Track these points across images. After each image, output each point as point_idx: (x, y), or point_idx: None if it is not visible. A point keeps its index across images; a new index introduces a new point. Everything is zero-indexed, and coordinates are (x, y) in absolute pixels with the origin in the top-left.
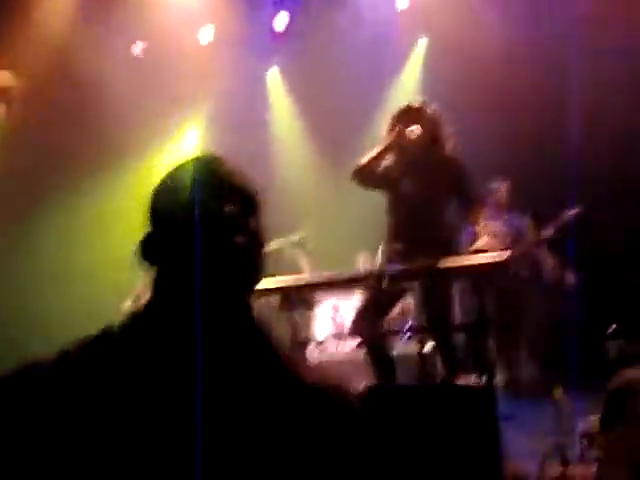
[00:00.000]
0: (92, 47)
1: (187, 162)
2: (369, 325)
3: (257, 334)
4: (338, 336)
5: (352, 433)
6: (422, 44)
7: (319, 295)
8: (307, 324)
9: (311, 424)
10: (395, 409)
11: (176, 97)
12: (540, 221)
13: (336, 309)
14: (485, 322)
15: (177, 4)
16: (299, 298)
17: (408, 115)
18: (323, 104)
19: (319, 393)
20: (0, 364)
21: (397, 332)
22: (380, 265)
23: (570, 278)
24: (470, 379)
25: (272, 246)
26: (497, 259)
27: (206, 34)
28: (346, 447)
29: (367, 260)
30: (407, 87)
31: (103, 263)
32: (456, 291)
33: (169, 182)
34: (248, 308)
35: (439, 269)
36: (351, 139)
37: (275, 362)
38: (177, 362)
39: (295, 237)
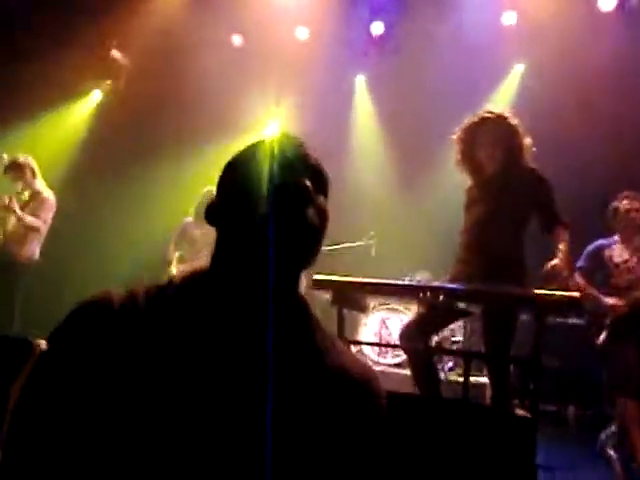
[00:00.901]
0: (195, 36)
1: (267, 138)
2: (417, 339)
3: (302, 309)
4: (382, 349)
5: (368, 428)
6: (519, 68)
7: (370, 300)
8: (354, 327)
9: (339, 410)
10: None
11: (266, 88)
12: None
13: (384, 323)
14: (539, 358)
15: (278, 2)
16: (351, 297)
17: (483, 124)
18: (407, 116)
19: (352, 381)
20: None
21: (439, 351)
22: (441, 281)
23: None
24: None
25: (337, 245)
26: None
27: (302, 32)
28: (359, 439)
29: (425, 279)
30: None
31: None
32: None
33: (246, 151)
34: (298, 282)
35: (510, 295)
36: (431, 155)
37: (312, 340)
38: (231, 324)
39: (361, 241)
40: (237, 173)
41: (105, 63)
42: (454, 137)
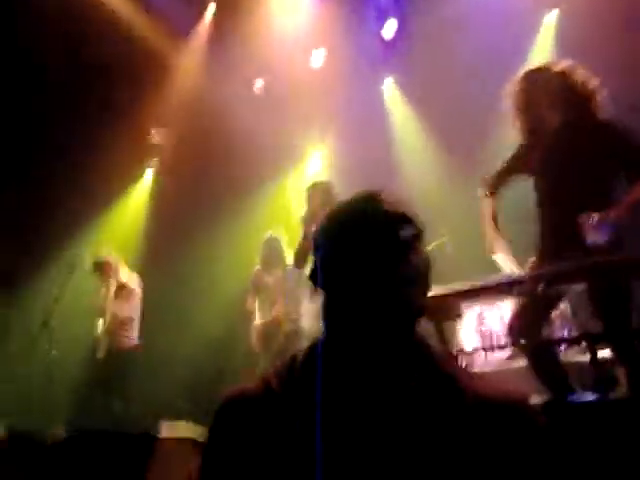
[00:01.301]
0: (219, 92)
1: (351, 199)
2: (529, 332)
3: (425, 356)
4: (485, 346)
5: (539, 451)
6: (551, 16)
7: (465, 305)
8: (452, 335)
9: (493, 442)
10: (579, 426)
11: (299, 123)
12: None
13: (481, 319)
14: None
15: (289, 33)
16: (445, 307)
17: (535, 78)
18: (442, 105)
19: (501, 409)
20: None
21: (559, 341)
22: (534, 268)
23: None
24: None
25: None
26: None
27: (319, 56)
28: (533, 466)
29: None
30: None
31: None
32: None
33: (344, 215)
34: (414, 331)
35: (618, 263)
36: (475, 135)
37: (447, 381)
38: (366, 389)
39: (434, 242)
40: (340, 238)
41: (146, 146)
42: (508, 91)
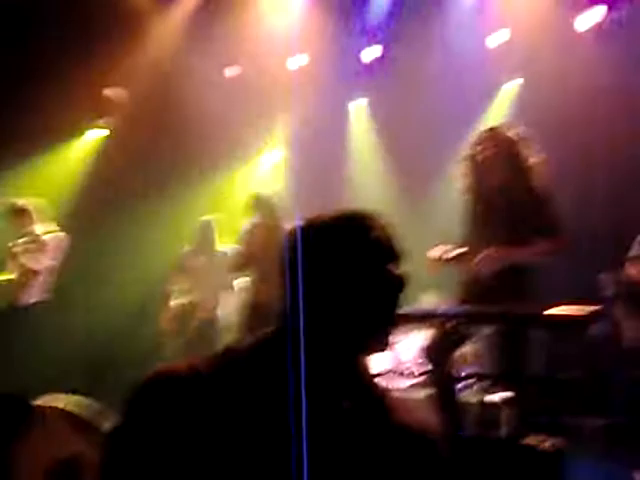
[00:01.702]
0: (189, 69)
1: (342, 216)
2: (436, 365)
3: (360, 378)
4: (394, 372)
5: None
6: (513, 84)
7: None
8: None
9: (403, 464)
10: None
11: (262, 118)
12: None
13: (392, 346)
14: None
15: (269, 29)
16: None
17: (484, 140)
18: (407, 138)
19: (417, 435)
20: None
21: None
22: (449, 304)
23: None
24: (539, 438)
25: None
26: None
27: (297, 61)
28: None
29: (433, 300)
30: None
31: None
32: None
33: (334, 226)
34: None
35: (522, 315)
36: (434, 174)
37: (376, 404)
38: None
39: None
40: (326, 247)
41: (99, 102)
42: (459, 170)
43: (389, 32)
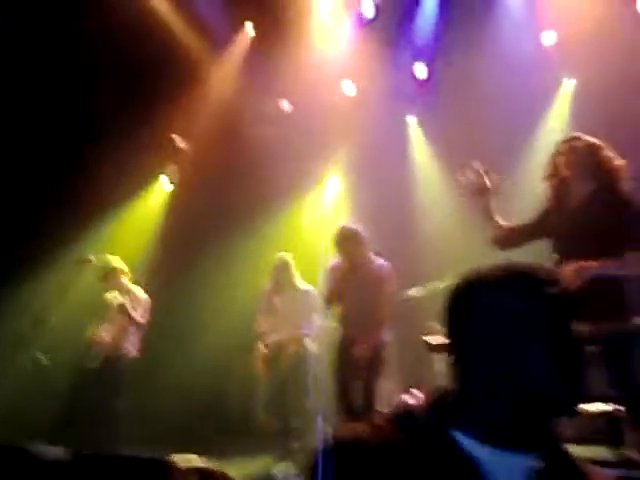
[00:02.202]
0: (248, 108)
1: (500, 274)
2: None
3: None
4: None
5: None
6: (569, 84)
7: None
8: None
9: None
10: None
11: (322, 147)
12: None
13: None
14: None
15: (322, 61)
16: None
17: (568, 148)
18: (466, 150)
19: None
20: None
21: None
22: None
23: None
24: None
25: (414, 293)
26: None
27: (349, 87)
28: None
29: None
30: (555, 128)
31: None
32: None
33: (492, 288)
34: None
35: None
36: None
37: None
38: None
39: (439, 284)
40: (499, 308)
41: (166, 153)
42: (544, 179)
43: (439, 48)
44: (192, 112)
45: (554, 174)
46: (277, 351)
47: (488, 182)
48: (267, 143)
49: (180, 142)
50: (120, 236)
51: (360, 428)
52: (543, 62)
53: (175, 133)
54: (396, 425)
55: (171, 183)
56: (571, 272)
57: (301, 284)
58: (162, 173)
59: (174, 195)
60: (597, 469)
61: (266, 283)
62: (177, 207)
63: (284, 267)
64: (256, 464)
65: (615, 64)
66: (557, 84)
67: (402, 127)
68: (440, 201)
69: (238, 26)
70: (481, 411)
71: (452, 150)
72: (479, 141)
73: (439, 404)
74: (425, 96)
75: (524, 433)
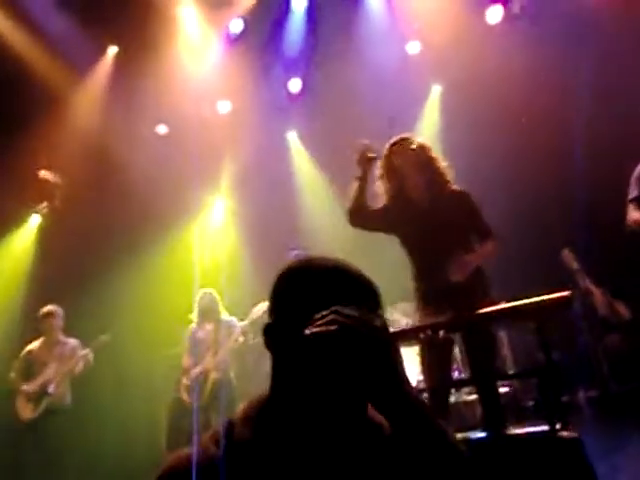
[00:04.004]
0: (120, 135)
1: (313, 261)
2: (440, 378)
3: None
4: None
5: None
6: (436, 90)
7: None
8: None
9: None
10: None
11: (203, 169)
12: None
13: None
14: (554, 365)
15: (194, 80)
16: None
17: (403, 146)
18: (345, 157)
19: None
20: None
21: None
22: (422, 319)
23: (623, 311)
24: (539, 427)
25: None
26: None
27: (224, 105)
28: None
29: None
30: (426, 134)
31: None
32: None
33: (301, 273)
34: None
35: (487, 314)
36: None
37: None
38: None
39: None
40: (295, 296)
41: (37, 185)
42: (378, 175)
43: (310, 61)
44: (59, 142)
45: (388, 172)
46: (202, 379)
47: (372, 153)
48: (145, 169)
49: (50, 176)
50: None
51: (182, 454)
52: (412, 70)
53: (41, 167)
54: (215, 439)
55: (43, 220)
56: (458, 267)
57: (224, 316)
58: (33, 211)
59: (46, 233)
60: None
61: (193, 319)
62: (52, 244)
63: (207, 299)
64: None
65: (471, 69)
66: (426, 90)
67: (282, 141)
68: (327, 214)
69: (102, 48)
70: (288, 414)
71: (332, 158)
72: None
73: (255, 409)
74: (301, 109)
75: (336, 430)
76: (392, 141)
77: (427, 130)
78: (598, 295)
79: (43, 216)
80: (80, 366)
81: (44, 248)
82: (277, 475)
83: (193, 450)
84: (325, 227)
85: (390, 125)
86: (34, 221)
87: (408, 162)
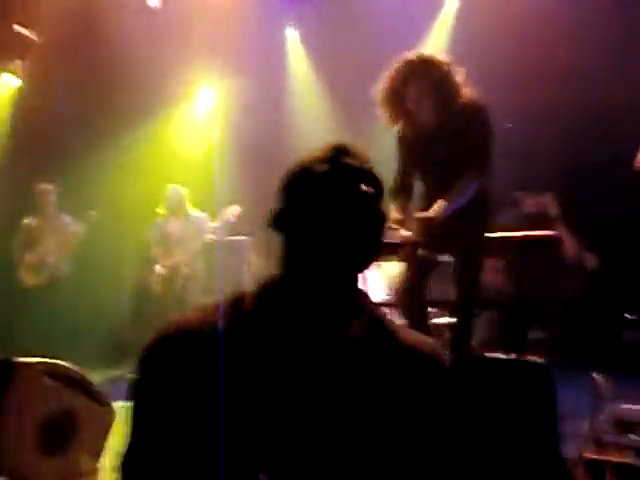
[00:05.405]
0: (108, 3)
1: (320, 150)
2: (414, 296)
3: (362, 303)
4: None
5: (447, 392)
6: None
7: None
8: None
9: (413, 383)
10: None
11: (193, 54)
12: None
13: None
14: (524, 298)
15: None
16: None
17: (412, 71)
18: (343, 69)
19: (421, 355)
20: None
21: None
22: (416, 234)
23: (590, 260)
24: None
25: None
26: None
27: None
28: (440, 404)
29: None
30: (436, 46)
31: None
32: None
33: (310, 162)
34: (356, 281)
35: (481, 240)
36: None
37: (378, 326)
38: (301, 331)
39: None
40: (304, 183)
41: (9, 40)
42: (379, 92)
43: None
44: (39, 3)
45: (398, 91)
46: (174, 272)
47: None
48: (131, 45)
49: (27, 33)
50: None
51: (188, 316)
52: None
53: (19, 22)
54: (223, 310)
55: (18, 79)
56: (419, 225)
57: (192, 211)
58: (5, 70)
59: (22, 94)
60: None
61: (159, 212)
62: (27, 108)
63: (176, 195)
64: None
65: None
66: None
67: (280, 37)
68: (315, 119)
69: None
70: (295, 288)
71: (332, 60)
72: (359, 52)
73: (266, 286)
74: (304, 6)
75: (335, 303)
76: (400, 63)
77: (437, 41)
78: (570, 243)
79: (18, 76)
80: (72, 239)
81: (20, 113)
82: (275, 351)
83: (192, 315)
84: (316, 132)
85: None
86: (10, 81)
87: (419, 90)
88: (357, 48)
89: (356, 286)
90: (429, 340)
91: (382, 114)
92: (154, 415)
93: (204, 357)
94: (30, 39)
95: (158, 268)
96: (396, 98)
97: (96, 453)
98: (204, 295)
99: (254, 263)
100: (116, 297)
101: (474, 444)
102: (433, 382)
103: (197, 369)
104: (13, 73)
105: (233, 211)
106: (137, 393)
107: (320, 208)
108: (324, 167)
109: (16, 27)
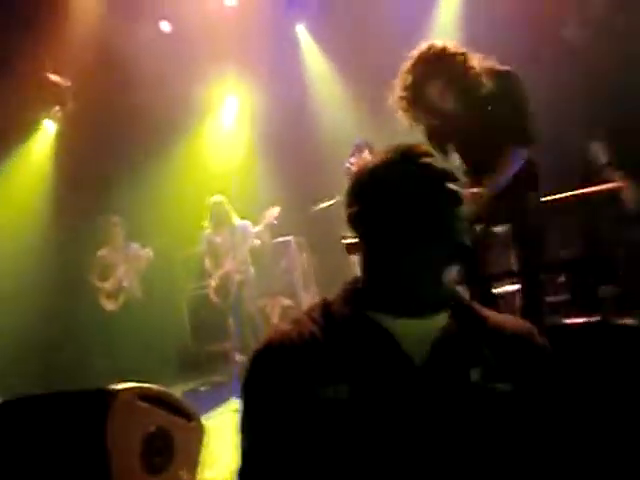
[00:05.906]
0: (124, 34)
1: (391, 154)
2: (478, 268)
3: (452, 293)
4: None
5: (552, 370)
6: None
7: None
8: None
9: (516, 363)
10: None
11: (211, 67)
12: None
13: None
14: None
15: None
16: None
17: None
18: (356, 53)
19: (519, 334)
20: None
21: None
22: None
23: None
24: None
25: (330, 202)
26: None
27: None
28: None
29: None
30: (444, 28)
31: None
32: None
33: (388, 166)
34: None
35: (536, 205)
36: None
37: (469, 315)
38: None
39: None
40: (386, 186)
41: (46, 90)
42: (395, 100)
43: None
44: (62, 45)
45: (415, 99)
46: (226, 280)
47: None
48: (151, 68)
49: (59, 80)
50: (11, 187)
51: (282, 327)
52: None
53: (51, 70)
54: (313, 317)
55: (57, 124)
56: (468, 200)
57: (237, 220)
58: (46, 117)
59: (64, 137)
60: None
61: (205, 226)
62: (70, 150)
63: (219, 207)
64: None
65: None
66: None
67: (292, 34)
68: (334, 107)
69: None
70: (388, 286)
71: (344, 54)
72: (368, 44)
73: (352, 291)
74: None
75: (429, 296)
76: (413, 61)
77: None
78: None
79: (57, 121)
80: (144, 264)
81: (64, 153)
82: (373, 349)
83: (291, 327)
84: (341, 121)
85: None
86: (49, 127)
87: (439, 87)
88: (368, 34)
89: (443, 281)
90: (522, 322)
91: (403, 118)
92: (267, 432)
93: (307, 369)
94: (64, 85)
95: (212, 281)
96: (415, 102)
97: (193, 467)
98: (260, 299)
99: (305, 262)
100: (177, 312)
101: (585, 423)
102: (539, 365)
103: (302, 383)
104: (52, 119)
105: (273, 213)
106: (247, 418)
107: (410, 208)
108: (411, 167)
109: (51, 76)
